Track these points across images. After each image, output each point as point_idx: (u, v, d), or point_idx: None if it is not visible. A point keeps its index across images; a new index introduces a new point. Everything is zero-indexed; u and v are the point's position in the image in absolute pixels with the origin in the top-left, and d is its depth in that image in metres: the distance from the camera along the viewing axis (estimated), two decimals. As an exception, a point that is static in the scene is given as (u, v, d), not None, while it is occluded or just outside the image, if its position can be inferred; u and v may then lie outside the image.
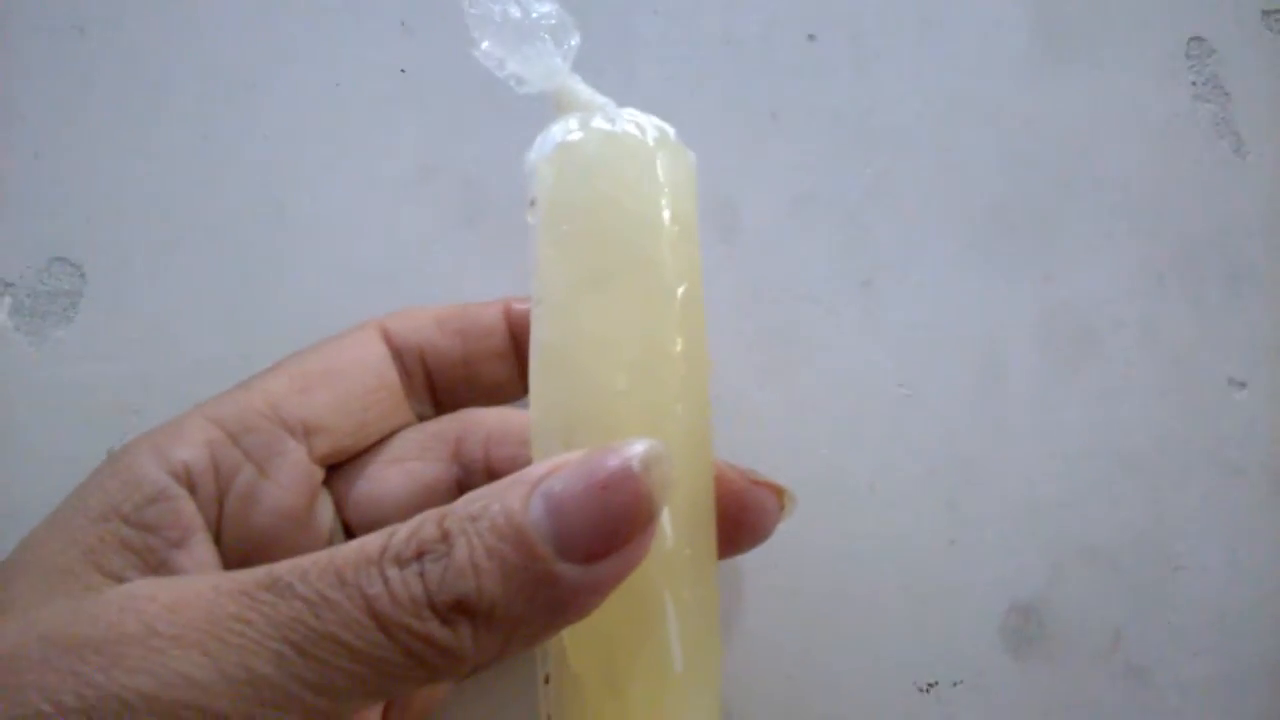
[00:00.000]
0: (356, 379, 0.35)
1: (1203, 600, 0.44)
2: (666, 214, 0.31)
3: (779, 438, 0.42)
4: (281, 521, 0.33)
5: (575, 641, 0.29)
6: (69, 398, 0.40)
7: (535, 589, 0.26)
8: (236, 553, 0.32)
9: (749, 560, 0.38)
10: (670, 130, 0.32)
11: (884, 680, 0.42)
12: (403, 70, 0.43)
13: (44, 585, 0.28)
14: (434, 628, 0.25)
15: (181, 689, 0.24)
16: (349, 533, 0.35)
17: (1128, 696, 0.43)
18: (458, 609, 0.25)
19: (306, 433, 0.34)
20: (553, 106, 0.32)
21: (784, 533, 0.36)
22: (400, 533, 0.26)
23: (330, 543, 0.35)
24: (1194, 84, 0.47)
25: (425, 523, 0.26)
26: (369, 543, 0.26)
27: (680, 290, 0.30)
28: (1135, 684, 0.43)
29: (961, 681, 0.42)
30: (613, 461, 0.27)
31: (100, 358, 0.41)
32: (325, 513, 0.35)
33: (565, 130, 0.31)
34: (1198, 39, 0.47)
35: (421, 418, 0.38)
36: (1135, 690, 0.43)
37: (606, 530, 0.26)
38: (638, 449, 0.27)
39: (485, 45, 0.31)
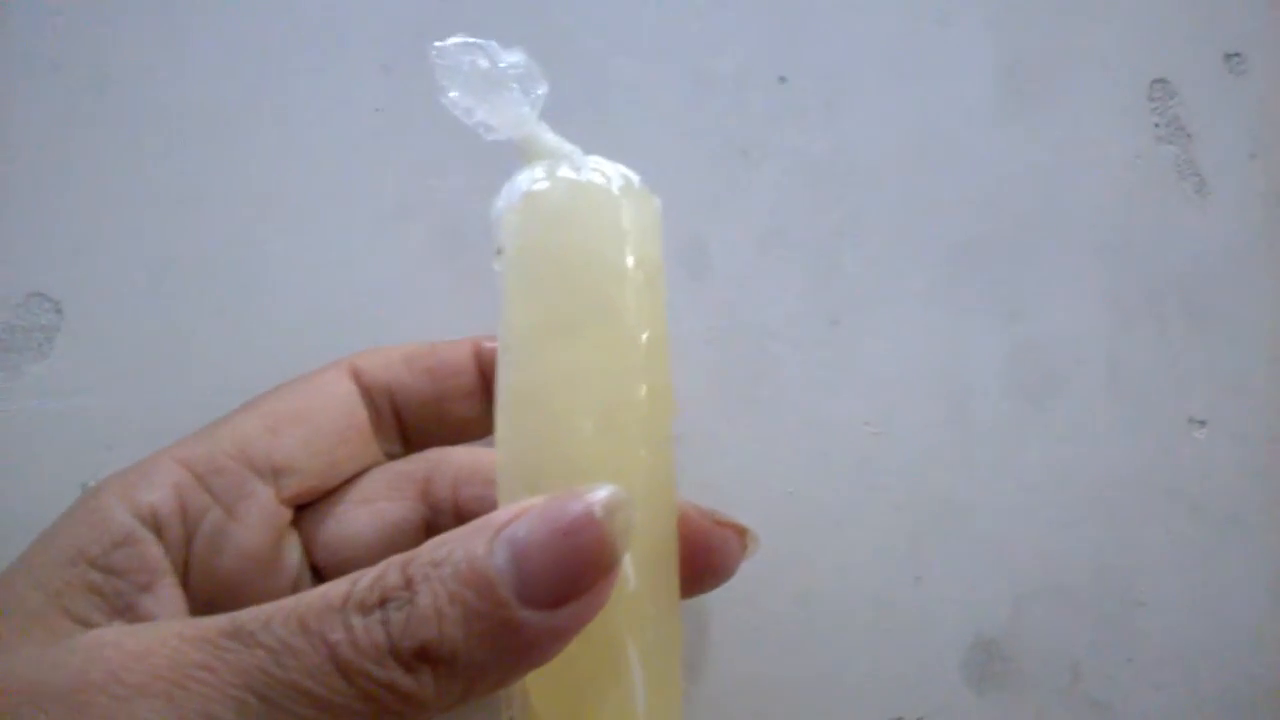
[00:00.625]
0: (326, 418, 0.35)
1: (1163, 635, 0.44)
2: (631, 260, 0.31)
3: (746, 475, 0.43)
4: (248, 564, 0.33)
5: (539, 685, 0.29)
6: (43, 432, 0.41)
7: (497, 635, 0.26)
8: (203, 595, 0.32)
9: (714, 597, 0.38)
10: (635, 178, 0.32)
11: (850, 715, 0.42)
12: (377, 109, 0.43)
13: (13, 631, 0.28)
14: (396, 675, 0.26)
15: (146, 737, 0.24)
16: (316, 573, 0.35)
17: (1090, 732, 0.43)
18: (420, 656, 0.26)
19: (275, 474, 0.34)
20: (519, 154, 0.32)
21: (750, 569, 0.37)
22: (364, 580, 0.27)
23: (296, 585, 0.35)
24: (1157, 125, 0.48)
25: (389, 569, 0.27)
26: (332, 590, 0.26)
27: (644, 336, 0.31)
28: (1097, 718, 0.43)
29: (925, 717, 0.42)
30: (575, 507, 0.27)
31: (75, 393, 0.41)
32: (292, 554, 0.35)
33: (531, 179, 0.31)
34: (1161, 81, 0.48)
35: (390, 456, 0.38)
36: (1097, 725, 0.43)
37: (569, 576, 0.27)
38: (600, 495, 0.27)
39: (454, 94, 0.31)
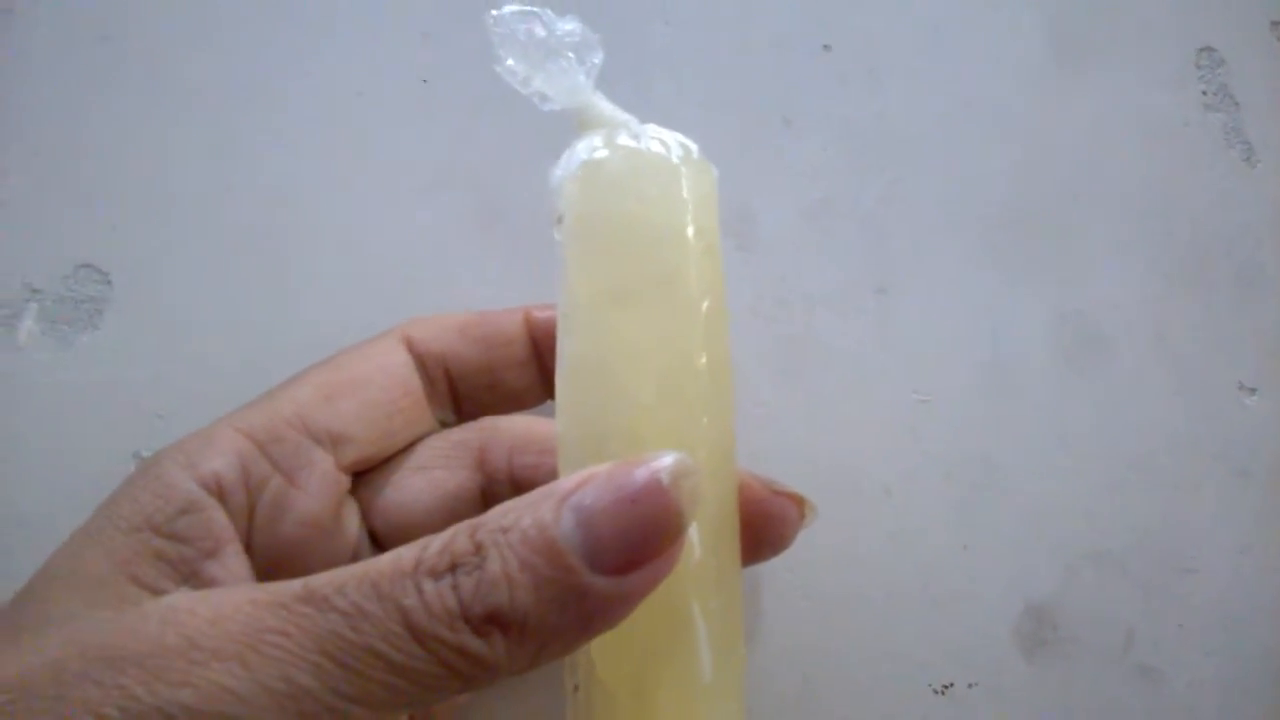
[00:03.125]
0: (381, 387, 0.36)
1: (1213, 602, 0.44)
2: (691, 230, 0.31)
3: (794, 443, 0.43)
4: (310, 531, 0.34)
5: (603, 652, 0.30)
6: (94, 402, 0.41)
7: (567, 601, 0.26)
8: (265, 562, 0.33)
9: (766, 564, 0.38)
10: (694, 147, 0.32)
11: (899, 682, 0.42)
12: (424, 80, 0.43)
13: (80, 597, 0.28)
14: (468, 639, 0.26)
15: (222, 701, 0.24)
16: (375, 540, 0.36)
17: (1140, 697, 0.43)
18: (491, 621, 0.26)
19: (333, 442, 0.34)
20: (576, 124, 0.32)
21: (800, 537, 0.37)
22: (433, 545, 0.27)
23: (357, 551, 0.35)
24: (1204, 93, 0.47)
25: (458, 535, 0.27)
26: (403, 555, 0.27)
27: (705, 304, 0.31)
28: (1147, 684, 0.43)
29: (976, 683, 0.42)
30: (641, 475, 0.27)
31: (126, 363, 0.41)
32: (352, 521, 0.35)
33: (591, 148, 0.31)
34: (1208, 49, 0.47)
35: (444, 424, 0.38)
36: (1147, 691, 0.43)
37: (637, 543, 0.27)
38: (666, 462, 0.27)
39: (510, 62, 0.31)
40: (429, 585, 0.26)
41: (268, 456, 0.33)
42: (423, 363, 0.37)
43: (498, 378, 0.38)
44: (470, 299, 0.40)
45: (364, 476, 0.36)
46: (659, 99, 0.44)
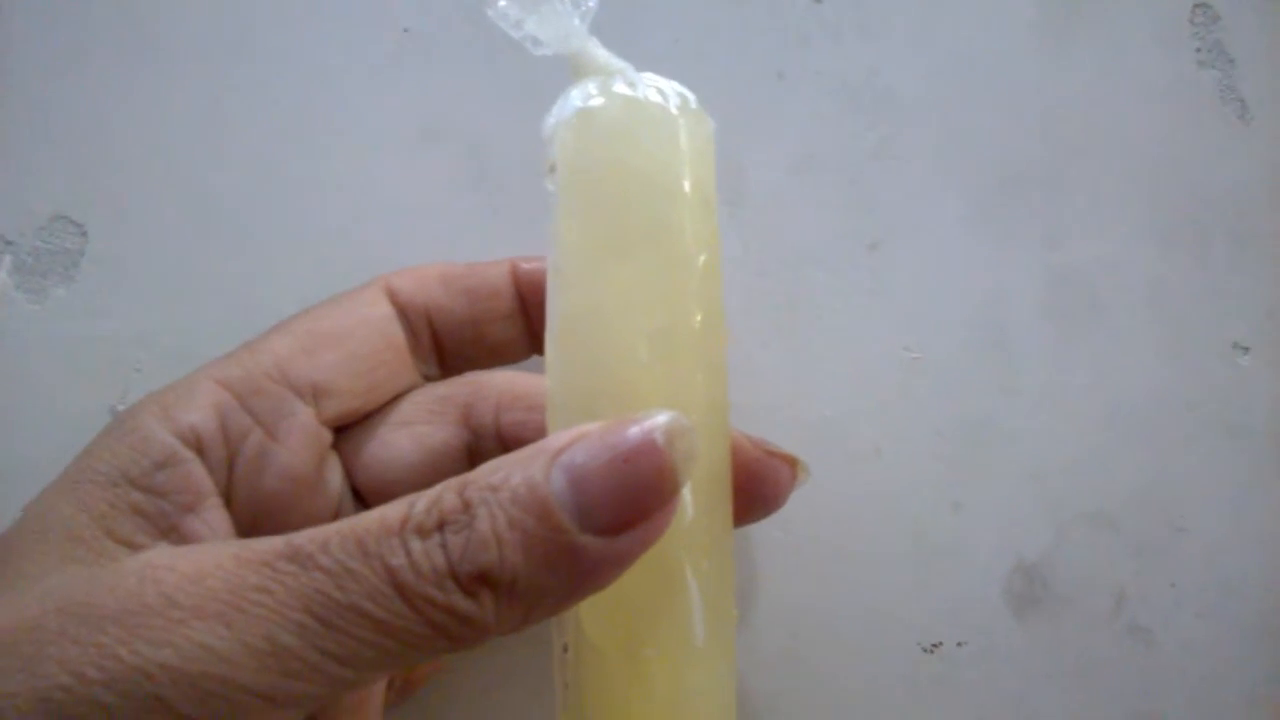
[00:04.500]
0: (363, 340, 0.35)
1: (1205, 562, 0.44)
2: (687, 183, 0.30)
3: (785, 400, 0.42)
4: (291, 485, 0.33)
5: (593, 612, 0.29)
6: (70, 356, 0.40)
7: (557, 561, 0.26)
8: (246, 517, 0.32)
9: (755, 523, 0.37)
10: (692, 97, 0.31)
11: (888, 641, 0.42)
12: (405, 29, 0.42)
13: (57, 552, 0.28)
14: (457, 599, 0.25)
15: (204, 661, 0.24)
16: (358, 496, 0.35)
17: (1131, 657, 0.43)
18: (480, 580, 0.25)
19: (314, 394, 0.33)
20: (570, 70, 0.31)
21: (791, 494, 0.36)
22: (421, 502, 0.26)
23: (339, 507, 0.34)
24: (1198, 50, 0.47)
25: (446, 492, 0.26)
26: (389, 513, 0.26)
27: (701, 259, 0.30)
28: (1138, 644, 0.43)
29: (965, 642, 0.42)
30: (635, 433, 0.27)
31: (102, 316, 0.40)
32: (334, 476, 0.35)
33: (585, 95, 0.30)
34: (1202, 5, 0.47)
35: (427, 378, 0.37)
36: (1138, 651, 0.43)
37: (629, 503, 0.26)
38: (660, 420, 0.27)
39: (502, 4, 0.30)
40: (416, 544, 0.25)
41: (247, 409, 0.32)
42: (406, 314, 0.36)
43: (483, 331, 0.37)
44: (456, 254, 0.39)
45: (346, 431, 0.35)
46: (650, 49, 0.43)
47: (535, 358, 0.38)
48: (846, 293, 0.43)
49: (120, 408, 0.40)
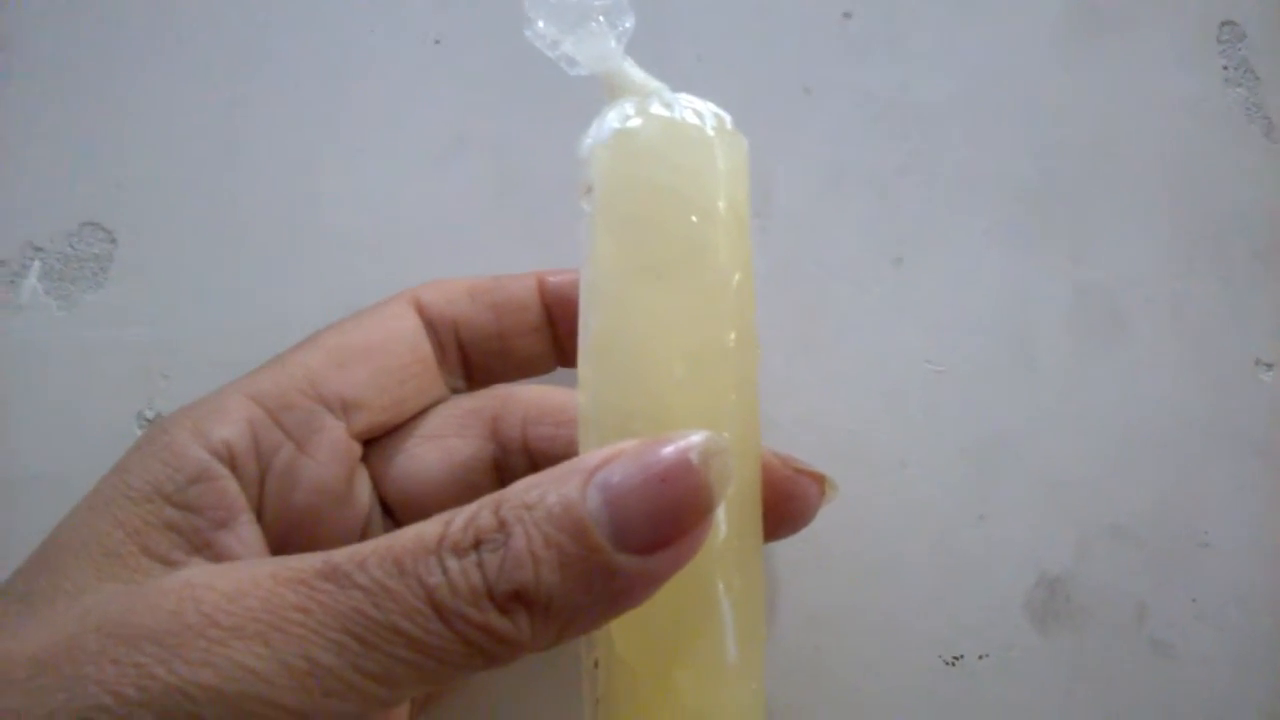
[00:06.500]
0: (392, 353, 0.35)
1: (1227, 576, 0.44)
2: (723, 203, 0.30)
3: (810, 414, 0.42)
4: (321, 499, 0.33)
5: (625, 629, 0.29)
6: (98, 362, 0.40)
7: (593, 579, 0.26)
8: (277, 531, 0.32)
9: (782, 539, 0.38)
10: (727, 117, 0.32)
11: (910, 653, 0.42)
12: (437, 41, 0.42)
13: (93, 568, 0.28)
14: (493, 617, 0.25)
15: (244, 681, 0.24)
16: (387, 510, 0.35)
17: (1152, 670, 0.43)
18: (516, 599, 0.25)
19: (345, 408, 0.34)
20: (604, 90, 0.31)
21: (819, 512, 0.36)
22: (457, 521, 0.26)
23: (369, 520, 0.35)
24: (1225, 68, 0.47)
25: (481, 510, 0.26)
26: (426, 530, 0.26)
27: (736, 279, 0.30)
28: (1159, 658, 0.43)
29: (987, 655, 0.42)
30: (670, 453, 0.27)
31: (130, 322, 0.41)
32: (364, 490, 0.35)
33: (623, 116, 0.30)
34: (1229, 23, 0.47)
35: (454, 391, 0.37)
36: (1159, 664, 0.43)
37: (664, 522, 0.26)
38: (695, 440, 0.27)
39: (540, 25, 0.30)
40: (453, 562, 0.25)
41: (279, 424, 0.32)
42: (433, 327, 0.36)
43: (509, 344, 0.37)
44: (484, 267, 0.39)
45: (375, 444, 0.36)
46: (679, 66, 0.44)
47: (561, 371, 0.38)
48: (871, 307, 0.43)
49: (148, 414, 0.40)
